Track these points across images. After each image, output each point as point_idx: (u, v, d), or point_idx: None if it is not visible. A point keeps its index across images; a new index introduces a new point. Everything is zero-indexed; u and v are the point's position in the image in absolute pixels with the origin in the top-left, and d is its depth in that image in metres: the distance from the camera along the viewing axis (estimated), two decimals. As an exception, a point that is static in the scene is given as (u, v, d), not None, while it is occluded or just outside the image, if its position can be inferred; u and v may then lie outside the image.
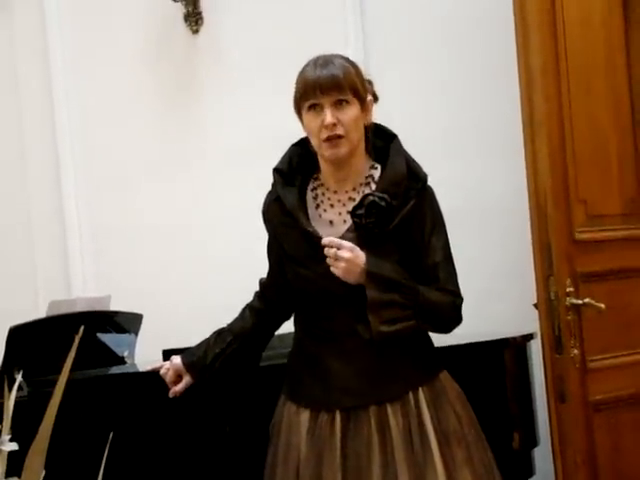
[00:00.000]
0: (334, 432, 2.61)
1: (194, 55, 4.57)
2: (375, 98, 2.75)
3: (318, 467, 2.60)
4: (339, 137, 2.59)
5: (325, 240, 2.57)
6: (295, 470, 2.64)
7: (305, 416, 2.67)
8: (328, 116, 2.59)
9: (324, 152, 2.63)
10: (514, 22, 3.11)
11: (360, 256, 2.56)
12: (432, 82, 4.25)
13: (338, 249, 2.55)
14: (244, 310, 2.89)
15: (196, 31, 4.54)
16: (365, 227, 2.58)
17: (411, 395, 2.62)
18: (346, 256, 2.54)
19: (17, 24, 4.76)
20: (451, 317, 2.69)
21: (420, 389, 2.63)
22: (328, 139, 2.60)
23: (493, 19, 3.98)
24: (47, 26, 4.69)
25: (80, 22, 4.69)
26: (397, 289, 2.58)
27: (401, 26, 4.29)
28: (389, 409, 2.60)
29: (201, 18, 4.53)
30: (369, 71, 4.05)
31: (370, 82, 2.75)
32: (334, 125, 2.59)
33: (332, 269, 2.57)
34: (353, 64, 2.70)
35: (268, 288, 2.87)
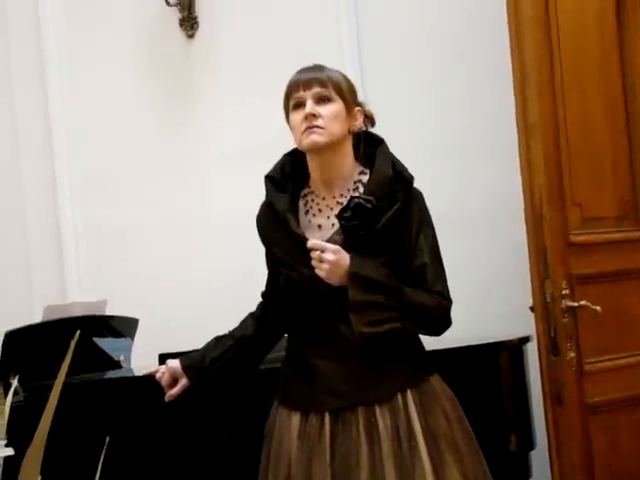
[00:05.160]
0: (323, 434, 2.62)
1: (189, 60, 4.58)
2: (372, 123, 2.80)
3: (308, 469, 2.61)
4: (318, 127, 2.64)
5: (310, 243, 2.59)
6: (286, 473, 2.65)
7: (296, 419, 2.68)
8: (308, 107, 2.65)
9: (303, 141, 2.67)
10: (507, 23, 3.11)
11: (344, 258, 2.58)
12: (427, 84, 4.26)
13: (322, 252, 2.57)
14: (246, 318, 2.91)
15: (191, 36, 4.55)
16: (351, 229, 2.60)
17: (400, 397, 2.62)
18: (330, 258, 2.56)
19: (11, 27, 4.76)
20: (438, 319, 2.69)
21: (409, 391, 2.63)
22: (307, 128, 2.64)
23: (487, 20, 3.98)
24: (42, 31, 4.70)
25: (75, 26, 4.70)
26: (381, 291, 2.59)
27: (395, 32, 4.30)
28: (377, 410, 2.61)
29: (196, 23, 4.54)
30: (363, 76, 4.14)
31: (368, 112, 2.79)
32: (313, 116, 2.64)
33: (316, 271, 2.58)
34: (342, 73, 2.76)
35: (268, 297, 2.89)
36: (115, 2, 4.64)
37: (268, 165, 2.82)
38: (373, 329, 2.58)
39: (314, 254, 2.58)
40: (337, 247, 2.58)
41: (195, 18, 4.53)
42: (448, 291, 2.70)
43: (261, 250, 2.87)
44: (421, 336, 2.75)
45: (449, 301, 2.70)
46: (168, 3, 4.47)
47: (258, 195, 2.83)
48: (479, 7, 4.11)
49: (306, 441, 2.64)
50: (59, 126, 4.69)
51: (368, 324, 2.57)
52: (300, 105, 2.67)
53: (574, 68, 3.22)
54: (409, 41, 4.27)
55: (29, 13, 4.72)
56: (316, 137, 2.64)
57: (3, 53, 4.77)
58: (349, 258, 2.58)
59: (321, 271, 2.58)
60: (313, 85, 2.66)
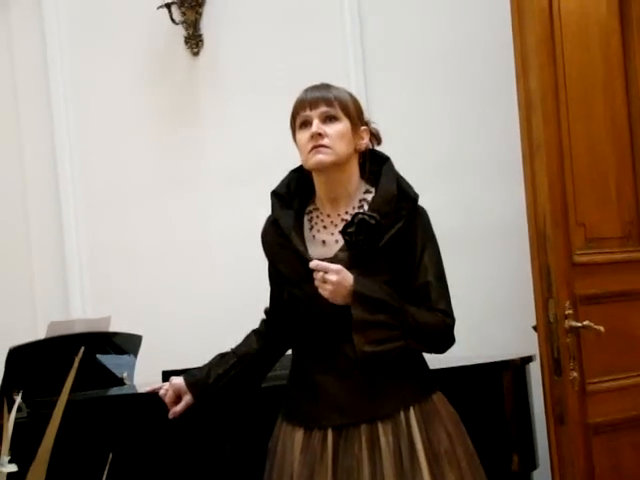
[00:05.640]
0: (326, 449, 2.63)
1: (194, 77, 4.59)
2: (378, 141, 2.81)
3: None
4: (324, 147, 2.65)
5: (312, 264, 2.60)
6: None
7: (299, 435, 2.69)
8: (314, 126, 2.66)
9: (309, 161, 2.68)
10: (513, 46, 3.12)
11: (347, 278, 2.58)
12: (432, 106, 4.26)
13: (325, 272, 2.57)
14: (249, 335, 2.91)
15: (196, 53, 4.56)
16: (355, 245, 2.60)
17: (402, 414, 2.63)
18: (333, 279, 2.57)
19: (16, 44, 4.78)
20: (442, 337, 2.70)
21: (412, 408, 2.64)
22: (313, 147, 2.65)
23: (492, 43, 3.99)
24: (48, 48, 4.71)
25: (81, 44, 4.71)
26: (384, 310, 2.59)
27: (400, 51, 4.31)
28: (380, 427, 2.62)
29: (201, 40, 4.55)
30: (368, 95, 4.15)
31: (374, 130, 2.81)
32: (320, 135, 2.65)
33: (320, 291, 2.59)
34: (349, 92, 2.78)
35: (271, 313, 2.90)
36: (121, 20, 4.65)
37: (271, 182, 2.83)
38: (376, 348, 2.58)
39: (317, 275, 2.59)
40: (340, 267, 2.59)
41: (200, 36, 4.55)
42: (451, 309, 2.71)
43: (264, 268, 2.88)
44: (425, 354, 2.76)
45: (452, 319, 2.70)
46: (173, 21, 4.48)
47: (261, 212, 2.84)
48: (484, 29, 4.12)
49: (309, 457, 2.65)
50: (63, 143, 4.70)
51: (371, 343, 2.58)
52: (307, 124, 2.68)
53: (579, 92, 3.23)
54: (415, 62, 4.28)
55: (34, 31, 4.73)
56: (322, 157, 2.65)
57: (8, 70, 4.78)
58: (352, 277, 2.59)
59: (324, 291, 2.59)
60: (320, 104, 2.68)
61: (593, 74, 3.32)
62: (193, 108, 4.59)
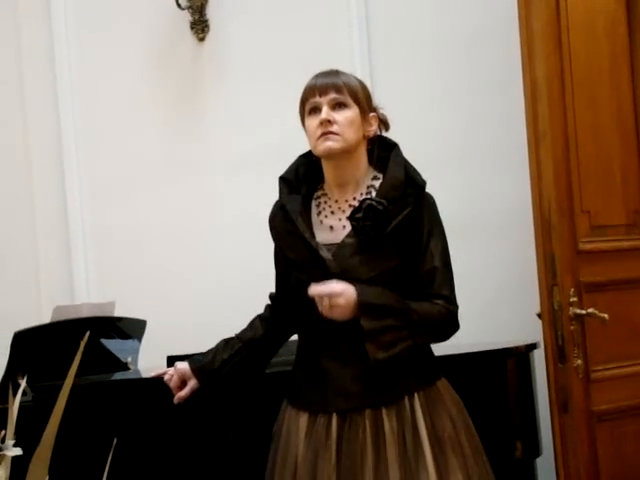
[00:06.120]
0: (330, 434, 2.64)
1: (200, 63, 4.58)
2: (386, 127, 2.82)
3: (314, 468, 2.63)
4: (333, 134, 2.65)
5: (312, 291, 2.59)
6: (293, 471, 2.67)
7: (304, 419, 2.70)
8: (323, 113, 2.66)
9: (318, 147, 2.68)
10: (519, 33, 3.12)
11: (351, 294, 2.58)
12: (437, 94, 4.26)
13: (329, 297, 2.56)
14: (254, 320, 2.92)
15: (202, 39, 4.56)
16: (362, 230, 2.61)
17: (407, 400, 2.64)
18: (342, 302, 2.57)
19: (23, 27, 4.77)
20: (446, 326, 2.70)
21: (416, 394, 2.66)
22: (322, 134, 2.65)
23: (498, 31, 3.99)
24: (54, 34, 4.70)
25: (86, 29, 4.70)
26: (390, 313, 2.60)
27: (406, 39, 4.30)
28: (384, 413, 2.63)
29: (207, 26, 4.54)
30: (373, 81, 4.15)
31: (382, 116, 2.80)
32: (329, 122, 2.65)
33: (327, 315, 2.58)
34: (358, 79, 2.78)
35: (276, 298, 2.90)
36: (126, 5, 4.64)
37: (277, 168, 2.83)
38: (387, 353, 2.59)
39: (323, 302, 2.57)
40: (341, 287, 2.58)
41: (206, 21, 4.54)
42: (455, 296, 2.72)
43: (269, 253, 2.88)
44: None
45: (456, 306, 2.71)
46: (179, 6, 4.48)
47: (267, 198, 2.84)
48: (491, 14, 4.11)
49: (313, 441, 2.66)
50: (69, 128, 4.69)
51: (382, 348, 2.59)
52: (316, 110, 2.68)
53: (585, 80, 3.23)
54: (421, 49, 4.28)
55: (41, 15, 4.72)
56: (331, 143, 2.65)
57: (14, 55, 4.77)
58: (355, 291, 2.58)
59: (333, 315, 2.59)
60: (329, 91, 2.67)
61: (599, 62, 3.31)
62: (199, 94, 4.59)
